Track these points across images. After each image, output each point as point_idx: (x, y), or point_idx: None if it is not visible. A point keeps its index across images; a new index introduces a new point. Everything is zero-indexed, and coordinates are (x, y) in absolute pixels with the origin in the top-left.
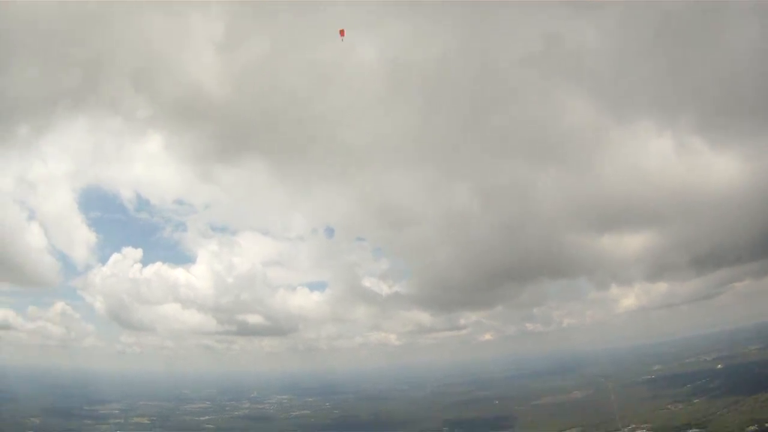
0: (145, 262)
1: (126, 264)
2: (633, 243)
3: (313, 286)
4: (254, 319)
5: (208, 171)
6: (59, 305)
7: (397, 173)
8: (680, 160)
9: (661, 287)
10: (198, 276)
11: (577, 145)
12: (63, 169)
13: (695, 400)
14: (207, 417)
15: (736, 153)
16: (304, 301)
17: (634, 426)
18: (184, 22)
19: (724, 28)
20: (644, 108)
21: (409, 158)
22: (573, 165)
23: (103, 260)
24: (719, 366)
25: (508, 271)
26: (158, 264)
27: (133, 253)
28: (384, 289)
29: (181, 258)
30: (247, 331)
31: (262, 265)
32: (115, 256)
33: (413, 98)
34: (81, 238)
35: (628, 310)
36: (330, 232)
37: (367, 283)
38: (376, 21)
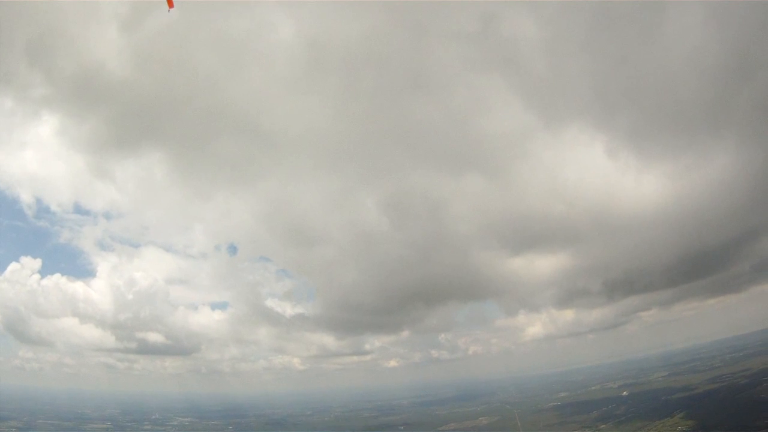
0: (43, 272)
1: (24, 274)
2: (546, 265)
3: (215, 306)
4: (155, 337)
5: (102, 163)
6: None
7: (305, 180)
8: (606, 173)
9: (568, 315)
10: (97, 290)
11: (500, 149)
12: None
13: (602, 426)
14: None
15: (662, 170)
16: (206, 321)
17: None
18: None
19: (665, 26)
20: (575, 111)
21: (318, 160)
22: (492, 174)
23: (1, 269)
24: (625, 393)
25: (417, 292)
26: (57, 275)
27: (32, 263)
28: (287, 310)
29: (81, 270)
30: (147, 349)
31: (164, 281)
32: (13, 265)
33: (329, 86)
34: None
35: (535, 338)
36: (233, 249)
37: (271, 303)
38: None
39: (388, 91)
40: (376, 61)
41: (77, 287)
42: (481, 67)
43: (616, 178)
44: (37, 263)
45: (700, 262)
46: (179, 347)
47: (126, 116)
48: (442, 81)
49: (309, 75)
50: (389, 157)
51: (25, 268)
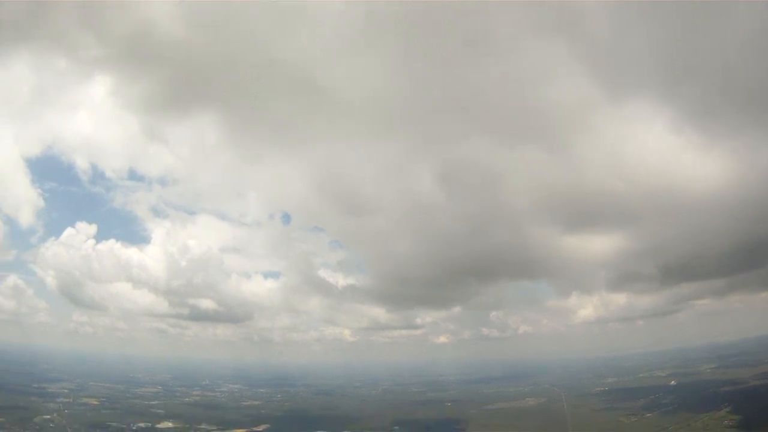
0: (98, 238)
1: (79, 239)
2: (599, 246)
3: (268, 275)
4: (207, 304)
5: (156, 125)
6: (11, 278)
7: (360, 145)
8: (667, 150)
9: (620, 299)
10: (151, 256)
11: (560, 121)
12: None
13: (648, 415)
14: (156, 402)
15: (725, 149)
16: (259, 289)
17: None
18: None
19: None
20: (639, 84)
21: (373, 125)
22: (550, 147)
23: (57, 234)
24: (672, 382)
25: (469, 268)
26: (112, 241)
27: (87, 228)
28: (339, 280)
29: (135, 236)
30: (199, 316)
31: (218, 250)
32: (68, 231)
33: (386, 48)
34: (34, 210)
35: (586, 321)
36: (287, 218)
37: (323, 273)
38: None
39: (446, 56)
40: (434, 24)
41: (131, 253)
42: (543, 33)
43: (677, 156)
44: (93, 229)
45: (757, 251)
46: (231, 315)
47: (179, 77)
48: (503, 46)
49: (365, 36)
50: (445, 125)
51: (80, 233)
